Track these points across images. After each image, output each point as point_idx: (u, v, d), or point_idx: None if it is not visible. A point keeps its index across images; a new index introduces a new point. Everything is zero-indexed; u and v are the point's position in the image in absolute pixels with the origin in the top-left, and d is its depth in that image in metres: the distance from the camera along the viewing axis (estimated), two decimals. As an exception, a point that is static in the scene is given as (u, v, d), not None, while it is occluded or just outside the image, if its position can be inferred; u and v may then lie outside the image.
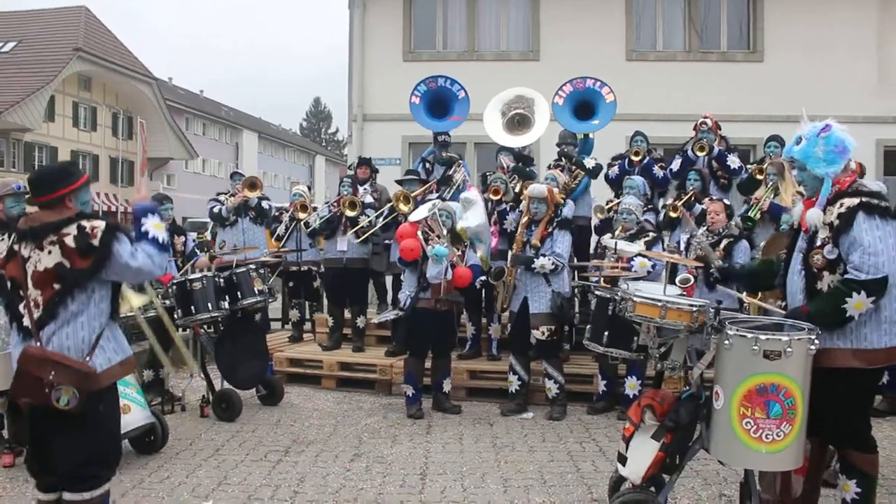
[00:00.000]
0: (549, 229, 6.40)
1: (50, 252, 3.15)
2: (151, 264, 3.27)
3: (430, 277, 6.29)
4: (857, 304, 3.32)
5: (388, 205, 7.89)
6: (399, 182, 8.26)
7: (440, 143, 8.21)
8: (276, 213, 9.30)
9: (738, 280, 4.49)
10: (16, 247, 3.22)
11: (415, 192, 7.73)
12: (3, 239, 3.31)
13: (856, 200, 3.41)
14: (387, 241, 8.20)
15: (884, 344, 3.42)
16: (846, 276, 3.37)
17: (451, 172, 8.02)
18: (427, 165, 8.35)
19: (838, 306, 3.35)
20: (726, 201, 6.74)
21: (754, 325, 3.51)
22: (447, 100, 8.55)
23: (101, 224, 3.19)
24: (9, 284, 3.27)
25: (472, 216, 6.71)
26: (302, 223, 8.50)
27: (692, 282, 4.46)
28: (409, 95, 8.59)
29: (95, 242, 3.15)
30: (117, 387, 3.50)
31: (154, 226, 3.34)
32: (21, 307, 3.21)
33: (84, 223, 3.19)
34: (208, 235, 18.49)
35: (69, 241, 3.15)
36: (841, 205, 3.44)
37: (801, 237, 3.65)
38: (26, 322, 3.20)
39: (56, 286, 3.15)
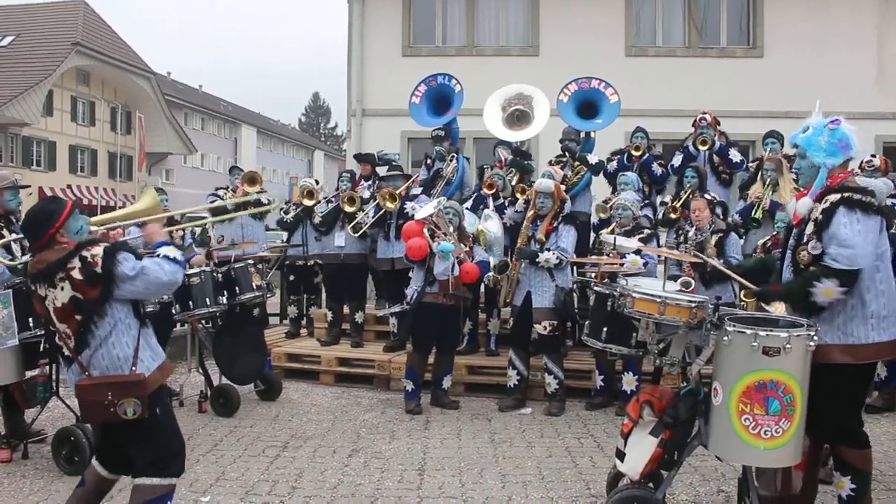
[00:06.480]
0: (555, 224, 6.39)
1: (62, 288, 3.29)
2: (160, 270, 3.38)
3: (437, 274, 6.28)
4: (825, 290, 3.35)
5: (374, 202, 7.84)
6: (383, 178, 8.21)
7: (434, 138, 8.23)
8: (283, 208, 9.23)
9: (734, 279, 4.45)
10: (33, 287, 3.39)
11: (399, 189, 7.69)
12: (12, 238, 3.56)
13: (838, 196, 3.44)
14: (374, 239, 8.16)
15: (871, 339, 3.43)
16: (822, 262, 3.41)
17: (442, 166, 8.00)
18: (428, 162, 8.35)
19: (805, 288, 3.39)
20: (708, 196, 6.72)
21: (753, 321, 3.51)
22: (447, 96, 8.55)
23: (99, 251, 3.30)
24: (42, 320, 3.53)
25: (492, 226, 6.96)
26: (312, 216, 8.44)
27: (693, 286, 4.42)
28: (410, 95, 8.56)
29: (99, 270, 3.28)
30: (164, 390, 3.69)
31: (167, 250, 3.49)
32: (57, 339, 3.42)
33: (85, 253, 3.30)
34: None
35: (76, 274, 3.27)
36: (826, 201, 3.48)
37: (793, 234, 3.67)
38: (66, 352, 3.40)
39: (77, 317, 3.31)
